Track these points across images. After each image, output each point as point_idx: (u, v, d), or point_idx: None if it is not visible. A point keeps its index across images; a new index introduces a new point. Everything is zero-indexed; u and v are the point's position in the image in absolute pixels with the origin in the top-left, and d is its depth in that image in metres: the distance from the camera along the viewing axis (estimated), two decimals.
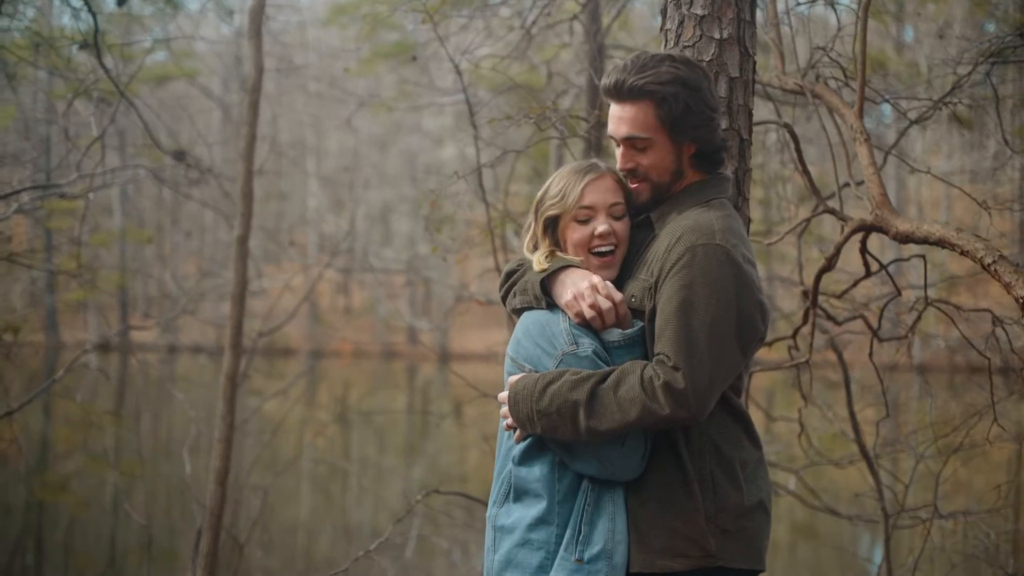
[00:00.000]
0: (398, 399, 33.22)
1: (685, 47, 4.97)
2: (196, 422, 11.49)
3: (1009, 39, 8.99)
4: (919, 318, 7.45)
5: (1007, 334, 7.23)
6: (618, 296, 4.30)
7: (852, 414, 8.35)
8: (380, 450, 25.81)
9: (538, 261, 4.45)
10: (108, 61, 9.98)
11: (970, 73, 8.70)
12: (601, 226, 4.42)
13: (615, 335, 4.29)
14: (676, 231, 4.28)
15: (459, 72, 7.97)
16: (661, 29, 5.15)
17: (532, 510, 4.28)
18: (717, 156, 4.48)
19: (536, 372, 4.27)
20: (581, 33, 11.15)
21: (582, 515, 4.23)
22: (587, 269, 4.42)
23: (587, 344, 4.26)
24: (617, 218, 4.47)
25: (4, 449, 10.12)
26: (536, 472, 4.30)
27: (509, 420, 4.32)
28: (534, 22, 9.25)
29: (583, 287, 4.28)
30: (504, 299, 4.65)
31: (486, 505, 9.09)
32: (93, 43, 9.78)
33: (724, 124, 4.90)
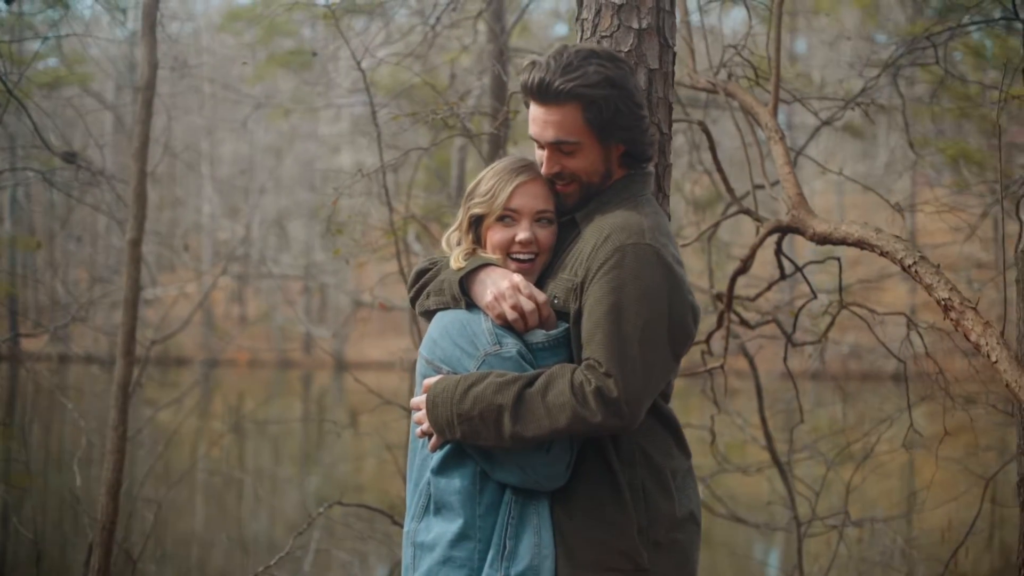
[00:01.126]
0: (294, 408, 32.82)
1: (602, 37, 4.75)
2: (87, 433, 11.09)
3: (918, 42, 8.96)
4: (832, 322, 7.33)
5: (922, 338, 7.15)
6: (541, 297, 4.10)
7: (764, 420, 8.23)
8: (276, 460, 25.43)
9: (456, 259, 4.25)
10: None
11: (878, 76, 8.65)
12: (523, 233, 4.23)
13: (539, 336, 4.08)
14: (603, 229, 4.08)
15: (362, 70, 7.71)
16: (577, 18, 4.94)
17: (453, 525, 4.02)
18: (645, 153, 4.30)
19: (455, 374, 4.04)
20: (483, 35, 10.96)
21: (506, 529, 3.99)
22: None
23: (511, 344, 4.04)
24: (543, 226, 4.28)
25: None
26: (456, 484, 4.05)
27: (424, 426, 4.07)
28: (438, 19, 9.05)
29: (504, 287, 4.07)
30: (413, 300, 4.41)
31: (387, 516, 8.85)
32: None
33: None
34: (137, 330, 8.87)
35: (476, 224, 4.32)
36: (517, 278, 4.10)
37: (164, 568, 14.52)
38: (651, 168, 4.40)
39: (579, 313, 4.03)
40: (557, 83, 4.10)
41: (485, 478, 4.04)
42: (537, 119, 4.21)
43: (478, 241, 4.33)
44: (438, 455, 4.09)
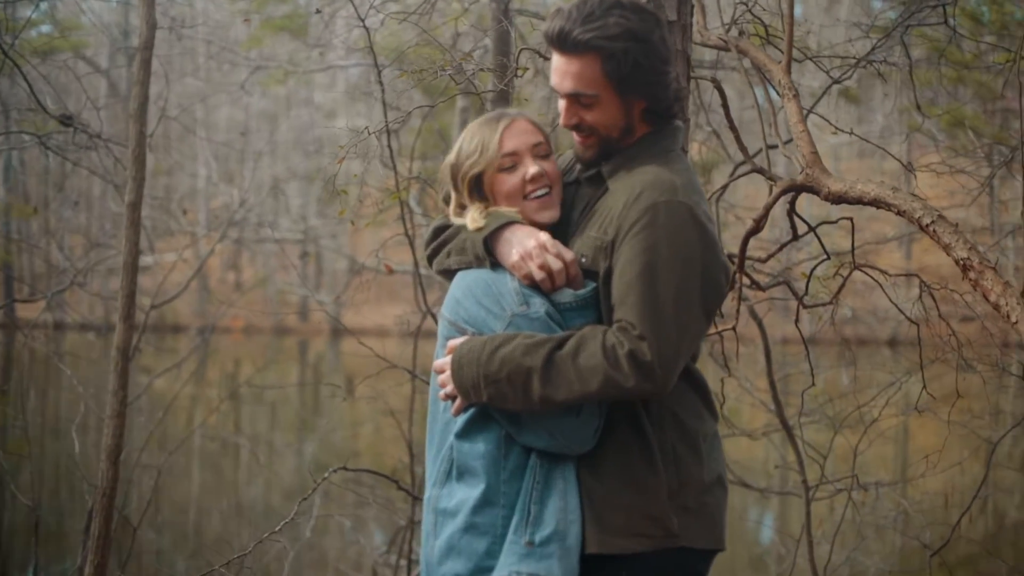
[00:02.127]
0: (291, 374, 32.82)
1: None
2: (85, 399, 10.99)
3: (926, 1, 8.84)
4: (844, 283, 7.20)
5: (934, 300, 7.04)
6: (569, 255, 3.96)
7: (772, 384, 8.12)
8: (273, 427, 25.41)
9: (473, 219, 4.09)
10: None
11: (888, 34, 8.52)
12: (531, 168, 4.10)
13: (567, 296, 3.94)
14: (634, 187, 3.94)
15: (365, 27, 7.57)
16: None
17: (476, 491, 3.89)
18: (669, 110, 4.14)
19: (480, 335, 3.91)
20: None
21: (531, 494, 3.86)
22: (525, 217, 4.08)
23: (539, 304, 3.91)
24: (543, 157, 4.14)
25: None
26: (480, 448, 3.92)
27: (448, 388, 3.93)
28: None
29: (531, 246, 3.92)
30: (431, 258, 4.26)
31: (392, 481, 8.76)
32: None
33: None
34: (135, 296, 8.75)
35: (477, 186, 4.16)
36: (544, 236, 3.96)
37: (163, 535, 14.48)
38: (680, 123, 4.27)
39: (609, 272, 3.91)
40: (576, 32, 3.95)
41: (510, 442, 3.91)
42: (557, 69, 4.06)
43: (487, 201, 4.17)
44: (462, 419, 3.95)
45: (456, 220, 4.21)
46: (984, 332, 7.81)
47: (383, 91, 7.43)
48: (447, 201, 4.29)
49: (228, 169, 44.78)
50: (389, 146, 7.45)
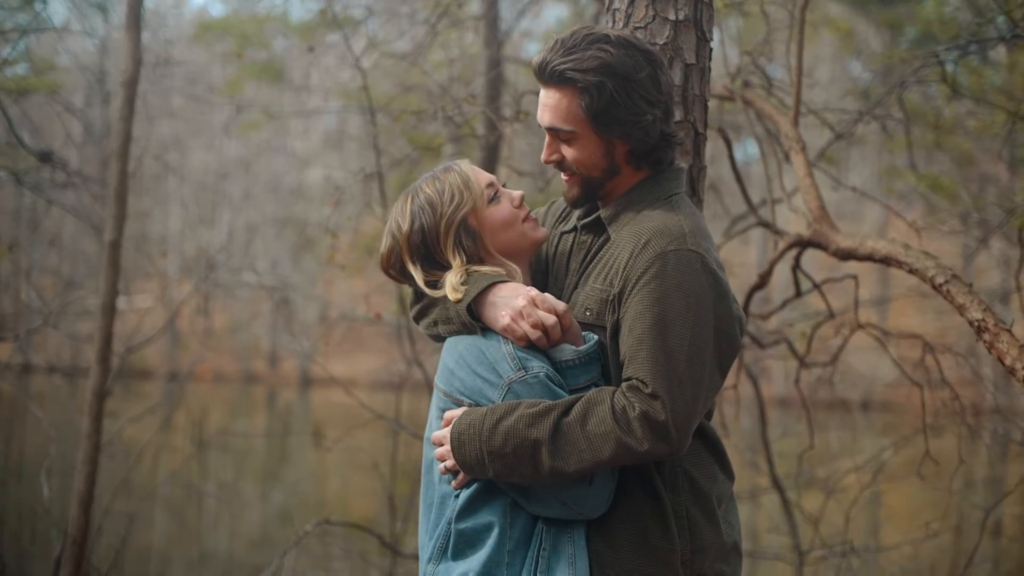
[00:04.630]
0: (260, 424, 32.44)
1: (636, 28, 4.41)
2: (56, 442, 10.69)
3: (927, 61, 8.73)
4: (845, 343, 7.02)
5: (937, 362, 6.88)
6: (561, 307, 3.70)
7: (767, 445, 7.91)
8: (242, 476, 25.07)
9: (453, 287, 3.77)
10: None
11: (890, 91, 8.40)
12: (514, 193, 3.93)
13: (567, 353, 3.68)
14: (640, 234, 3.72)
15: (360, 68, 7.39)
16: (607, 8, 4.60)
17: (477, 563, 3.62)
18: (655, 155, 3.91)
19: (478, 406, 3.65)
20: (479, 42, 10.67)
21: (536, 562, 3.61)
22: (524, 240, 3.89)
23: (537, 368, 3.64)
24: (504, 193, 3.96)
25: None
26: (484, 521, 3.66)
27: (449, 463, 3.68)
28: (440, 17, 8.72)
29: (520, 304, 3.66)
30: (416, 320, 4.00)
31: (372, 535, 8.50)
32: None
33: (678, 115, 4.36)
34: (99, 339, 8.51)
35: (465, 231, 3.84)
36: (532, 291, 3.69)
37: None
38: (682, 164, 4.06)
39: (617, 327, 3.69)
40: (554, 63, 3.77)
41: (516, 510, 3.66)
42: (540, 101, 3.88)
43: (469, 256, 3.85)
44: (464, 493, 3.70)
45: (433, 294, 3.86)
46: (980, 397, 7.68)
47: (376, 133, 7.24)
48: (405, 276, 3.94)
49: (203, 213, 44.58)
50: (382, 190, 7.25)
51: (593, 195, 3.93)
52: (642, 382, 3.53)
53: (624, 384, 3.58)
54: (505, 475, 3.59)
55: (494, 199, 3.88)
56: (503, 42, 9.64)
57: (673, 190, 3.91)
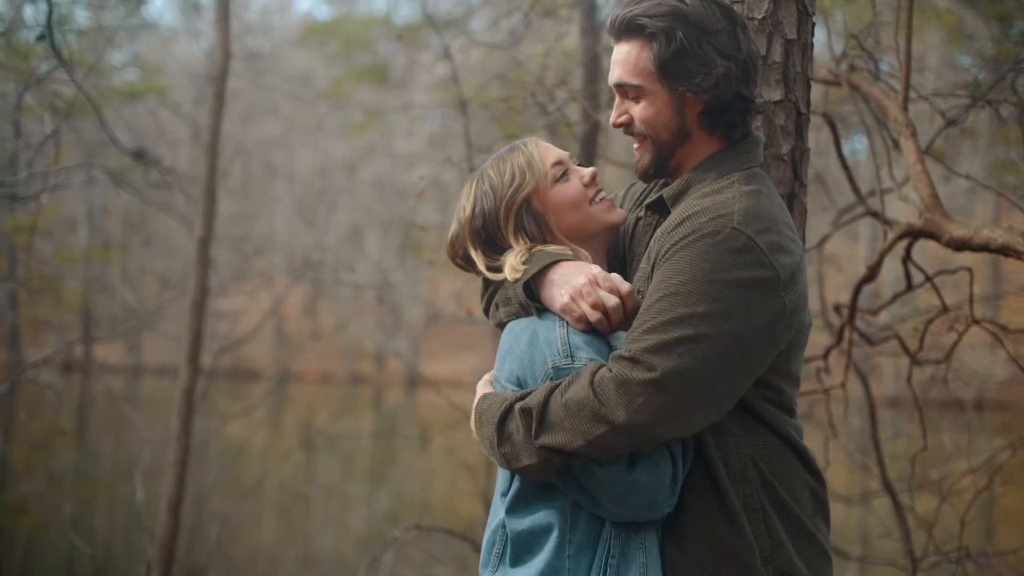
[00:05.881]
0: (365, 423, 32.47)
1: (733, 1, 4.12)
2: (151, 444, 10.62)
3: None
4: (959, 339, 6.67)
5: None
6: (625, 287, 3.39)
7: (877, 447, 7.56)
8: (346, 477, 25.06)
9: (512, 267, 3.50)
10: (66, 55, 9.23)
11: (1006, 73, 8.02)
12: (585, 171, 3.62)
13: (621, 341, 3.35)
14: (688, 209, 3.40)
15: (450, 57, 7.19)
16: None
17: (536, 573, 3.28)
18: (728, 118, 3.57)
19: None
20: (575, 35, 10.43)
21: (604, 572, 3.25)
22: (595, 223, 3.60)
23: (584, 358, 3.29)
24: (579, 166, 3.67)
25: None
26: (540, 520, 3.31)
27: None
28: (533, 4, 8.48)
29: (580, 283, 3.36)
30: (486, 311, 3.73)
31: (466, 540, 8.28)
32: (47, 30, 9.01)
33: (778, 94, 4.07)
34: (209, 341, 8.37)
35: (528, 212, 3.59)
36: (595, 270, 3.39)
37: None
38: (760, 135, 3.76)
39: None
40: (622, 12, 3.52)
41: (577, 510, 3.31)
42: (612, 60, 3.61)
43: (532, 239, 3.59)
44: (515, 487, 3.38)
45: (494, 277, 3.61)
46: None
47: (467, 124, 7.01)
48: (469, 263, 3.70)
49: (308, 215, 44.83)
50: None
51: (664, 165, 3.62)
52: (627, 349, 3.20)
53: (611, 353, 3.27)
54: (514, 463, 3.29)
55: (562, 178, 3.59)
56: (600, 32, 9.37)
57: (743, 164, 3.57)
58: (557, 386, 3.22)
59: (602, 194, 3.62)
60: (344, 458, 26.16)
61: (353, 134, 39.02)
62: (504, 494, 3.43)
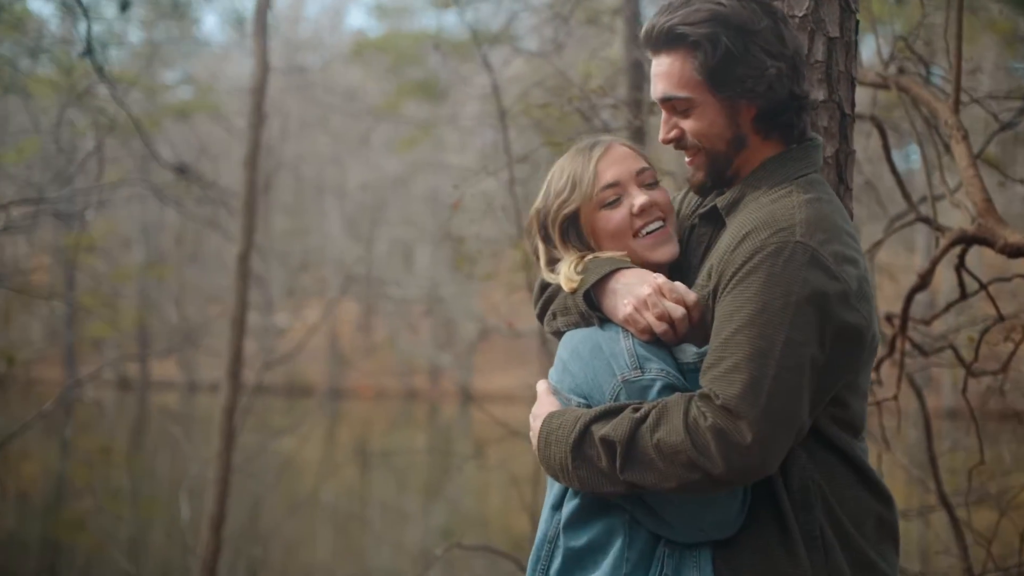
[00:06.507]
0: (418, 439, 32.41)
1: None
2: (197, 462, 10.54)
3: None
4: (1016, 349, 6.46)
5: None
6: (691, 297, 3.24)
7: (933, 460, 7.35)
8: (399, 493, 24.99)
9: (567, 277, 3.38)
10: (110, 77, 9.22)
11: None
12: (638, 199, 3.41)
13: (688, 355, 3.22)
14: (744, 224, 3.24)
15: (489, 67, 7.06)
16: None
17: None
18: (784, 118, 3.40)
19: (587, 406, 3.21)
20: (619, 43, 10.31)
21: None
22: (637, 259, 3.40)
23: (656, 371, 3.17)
24: (650, 186, 3.45)
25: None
26: (600, 534, 3.19)
27: None
28: (572, 10, 8.36)
29: (644, 293, 3.21)
30: (540, 318, 3.61)
31: (510, 559, 8.12)
32: (87, 45, 8.98)
33: (822, 94, 3.90)
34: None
35: (573, 228, 3.47)
36: (660, 279, 3.25)
37: None
38: (818, 137, 3.59)
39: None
40: (659, 22, 3.35)
41: (636, 526, 3.18)
42: (652, 73, 3.44)
43: (586, 247, 3.48)
44: (574, 503, 3.24)
45: (550, 278, 3.51)
46: None
47: (505, 131, 6.87)
48: (537, 256, 3.60)
49: (360, 230, 44.87)
50: (512, 185, 6.87)
51: (721, 176, 3.46)
52: (716, 394, 3.05)
53: (698, 392, 3.10)
54: (589, 487, 3.16)
55: (611, 204, 3.43)
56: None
57: (801, 171, 3.40)
58: (643, 419, 3.08)
59: (653, 226, 3.44)
60: (398, 474, 26.09)
61: (404, 149, 39.05)
62: (555, 507, 3.31)
